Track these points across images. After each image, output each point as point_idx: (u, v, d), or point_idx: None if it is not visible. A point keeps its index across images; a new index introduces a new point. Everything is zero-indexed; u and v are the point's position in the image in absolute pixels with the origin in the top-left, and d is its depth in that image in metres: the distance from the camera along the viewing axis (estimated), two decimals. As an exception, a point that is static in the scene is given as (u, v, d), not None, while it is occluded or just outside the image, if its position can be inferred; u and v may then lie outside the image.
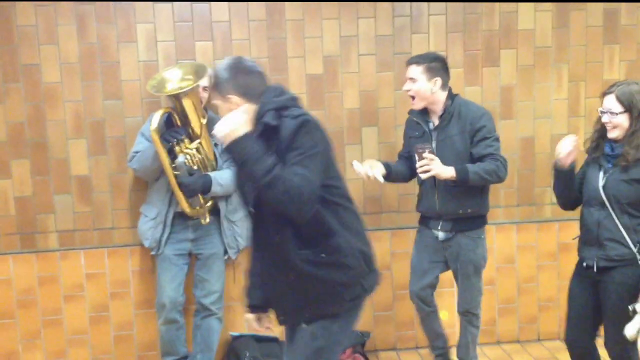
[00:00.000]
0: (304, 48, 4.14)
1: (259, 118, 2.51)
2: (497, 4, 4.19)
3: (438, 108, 3.61)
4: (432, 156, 3.44)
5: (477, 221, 3.68)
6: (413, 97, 3.60)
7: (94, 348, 4.19)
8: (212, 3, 4.04)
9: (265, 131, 2.48)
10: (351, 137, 4.23)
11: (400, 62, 4.13)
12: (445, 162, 3.46)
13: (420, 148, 3.47)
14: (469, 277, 3.72)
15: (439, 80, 3.55)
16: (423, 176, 3.50)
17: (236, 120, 2.39)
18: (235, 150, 2.39)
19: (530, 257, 4.43)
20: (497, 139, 3.59)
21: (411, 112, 3.78)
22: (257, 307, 2.79)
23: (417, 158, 3.48)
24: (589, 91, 4.31)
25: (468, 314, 3.80)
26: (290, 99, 2.61)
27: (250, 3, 4.06)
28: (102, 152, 4.06)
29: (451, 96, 3.63)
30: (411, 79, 3.57)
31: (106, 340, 4.20)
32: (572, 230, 4.26)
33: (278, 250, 2.57)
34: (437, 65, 3.56)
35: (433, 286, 3.81)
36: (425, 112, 3.69)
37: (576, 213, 4.24)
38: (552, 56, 4.28)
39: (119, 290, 4.18)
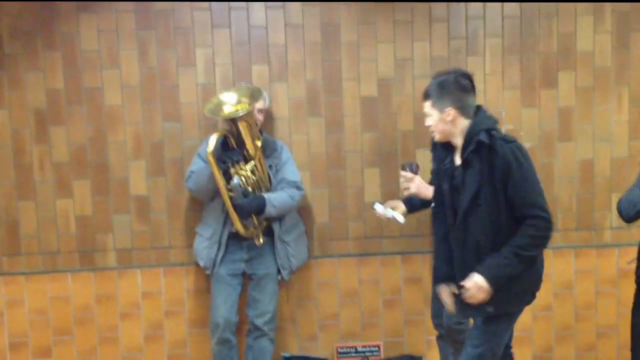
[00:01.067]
0: (359, 70, 4.15)
1: (472, 135, 2.87)
2: (554, 25, 4.14)
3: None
4: (409, 174, 3.46)
5: None
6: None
7: (149, 367, 4.25)
8: (269, 27, 4.09)
9: (478, 147, 2.85)
10: (405, 160, 4.19)
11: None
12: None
13: (406, 164, 3.53)
14: None
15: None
16: (404, 192, 3.53)
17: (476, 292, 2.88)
18: (499, 285, 2.88)
19: (589, 283, 4.32)
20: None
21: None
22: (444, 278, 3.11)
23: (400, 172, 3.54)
24: (650, 113, 4.22)
25: None
26: (495, 122, 2.98)
27: (305, 26, 4.10)
28: (160, 173, 4.14)
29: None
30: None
31: (160, 359, 4.24)
32: (631, 255, 4.17)
33: (478, 248, 2.92)
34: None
35: None
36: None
37: (634, 238, 4.17)
38: (612, 78, 4.20)
39: (173, 309, 4.23)
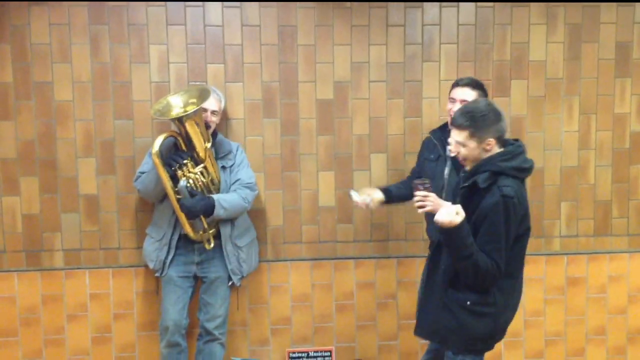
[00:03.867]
0: (315, 73, 4.14)
1: (476, 170, 2.93)
2: (508, 34, 4.20)
3: None
4: (427, 192, 3.32)
5: None
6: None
7: (96, 369, 4.16)
8: (225, 26, 4.06)
9: (473, 187, 2.89)
10: (360, 164, 4.21)
11: (411, 89, 4.16)
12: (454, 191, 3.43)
13: (420, 183, 3.42)
14: None
15: None
16: (419, 211, 3.46)
17: (452, 213, 2.83)
18: (448, 235, 2.87)
19: (537, 290, 4.38)
20: None
21: (433, 132, 3.80)
22: None
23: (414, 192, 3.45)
24: (600, 124, 4.30)
25: None
26: (510, 163, 2.91)
27: (262, 27, 4.08)
28: (110, 171, 4.07)
29: None
30: (464, 101, 3.48)
31: (108, 362, 4.16)
32: (579, 264, 4.26)
33: (446, 271, 3.00)
34: (486, 94, 3.66)
35: None
36: (444, 135, 3.63)
37: (582, 247, 4.25)
38: (563, 88, 4.27)
39: (122, 311, 4.16)
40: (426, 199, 3.30)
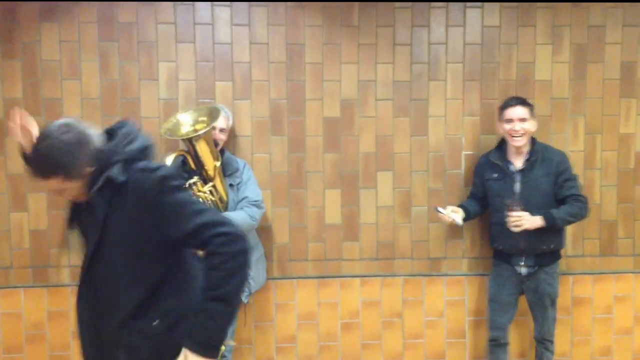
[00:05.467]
0: (322, 91, 4.17)
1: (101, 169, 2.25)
2: (514, 54, 4.23)
3: (525, 150, 3.84)
4: (522, 213, 3.71)
5: (555, 256, 3.95)
6: (520, 136, 3.83)
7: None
8: (234, 44, 4.10)
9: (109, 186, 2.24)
10: (366, 181, 4.22)
11: (417, 108, 4.18)
12: (531, 203, 3.76)
13: (511, 203, 3.73)
14: (546, 309, 3.93)
15: (536, 122, 3.92)
16: (514, 229, 3.73)
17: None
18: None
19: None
20: (577, 179, 3.92)
21: (490, 153, 3.99)
22: None
23: (506, 211, 3.76)
24: (605, 144, 4.31)
25: (545, 341, 3.99)
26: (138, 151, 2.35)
27: (271, 45, 4.12)
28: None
29: (533, 140, 3.92)
30: (523, 119, 3.82)
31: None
32: (585, 284, 4.24)
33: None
34: (533, 108, 3.91)
35: (512, 319, 4.05)
36: (502, 154, 3.90)
37: (588, 267, 4.24)
38: (569, 108, 4.29)
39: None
40: (521, 218, 3.68)
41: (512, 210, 3.72)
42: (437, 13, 4.19)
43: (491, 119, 4.21)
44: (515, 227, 3.73)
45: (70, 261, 4.08)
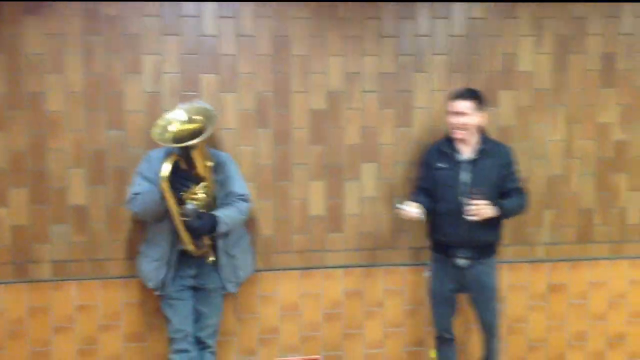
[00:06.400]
0: (309, 83, 4.15)
1: None
2: (498, 44, 4.26)
3: (474, 141, 3.81)
4: (482, 202, 3.68)
5: (492, 248, 3.93)
6: (459, 130, 3.79)
7: (83, 381, 4.10)
8: (220, 37, 4.04)
9: None
10: (351, 173, 4.23)
11: (403, 99, 4.18)
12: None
13: (475, 192, 3.70)
14: (488, 300, 3.93)
15: (485, 114, 3.86)
16: (471, 219, 3.71)
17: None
18: None
19: (521, 296, 4.46)
20: (519, 173, 3.96)
21: (439, 142, 3.93)
22: None
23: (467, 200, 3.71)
24: (584, 133, 4.39)
25: (489, 334, 4.00)
26: None
27: (257, 37, 4.07)
28: (101, 182, 4.01)
29: (483, 132, 3.89)
30: (462, 113, 3.76)
31: (96, 374, 4.11)
32: (562, 270, 4.33)
33: None
34: (482, 99, 3.83)
35: (455, 313, 4.02)
36: (451, 144, 3.84)
37: (565, 254, 4.33)
38: (550, 98, 4.34)
39: (109, 323, 4.11)
40: (485, 206, 3.67)
41: (474, 198, 3.68)
42: (423, 5, 4.19)
43: (475, 110, 4.24)
44: (474, 215, 3.68)
45: (51, 256, 4.02)
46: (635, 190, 4.45)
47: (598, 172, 4.42)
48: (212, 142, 3.96)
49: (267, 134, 4.13)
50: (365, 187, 4.25)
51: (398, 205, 3.74)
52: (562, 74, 4.33)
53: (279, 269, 4.23)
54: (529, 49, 4.30)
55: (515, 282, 4.41)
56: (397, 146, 4.24)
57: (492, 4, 4.24)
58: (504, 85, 4.29)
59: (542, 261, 4.42)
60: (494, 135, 4.23)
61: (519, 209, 3.87)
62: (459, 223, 3.76)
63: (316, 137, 4.18)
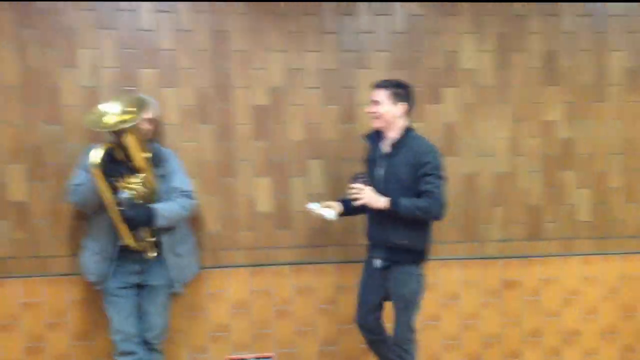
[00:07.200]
0: (250, 79, 4.15)
1: None
2: (439, 42, 4.29)
3: (393, 135, 3.68)
4: (361, 186, 3.54)
5: (412, 255, 3.68)
6: (373, 118, 3.69)
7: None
8: (158, 31, 4.05)
9: None
10: (296, 170, 4.23)
11: (346, 95, 4.20)
12: (390, 190, 3.56)
13: (360, 175, 3.59)
14: (400, 311, 3.71)
15: (403, 106, 3.65)
16: (355, 203, 3.58)
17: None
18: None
19: (474, 293, 4.44)
20: (439, 177, 3.57)
21: (367, 134, 3.83)
22: None
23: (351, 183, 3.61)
24: (530, 131, 4.40)
25: (397, 347, 3.74)
26: None
27: (195, 32, 4.08)
28: (41, 178, 4.00)
29: (407, 128, 3.69)
30: (375, 101, 3.65)
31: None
32: (514, 267, 4.31)
33: None
34: (402, 91, 3.66)
35: (376, 313, 3.83)
36: (379, 137, 3.74)
37: (519, 250, 4.31)
38: (494, 96, 4.36)
39: (56, 320, 4.07)
40: (362, 191, 3.50)
41: (356, 181, 3.58)
42: (363, 2, 4.22)
43: (418, 106, 4.21)
44: (355, 199, 3.57)
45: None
46: (584, 188, 4.47)
47: (545, 169, 4.44)
48: (155, 138, 3.93)
49: (210, 130, 4.13)
50: (312, 184, 4.25)
51: (307, 205, 3.72)
52: (505, 72, 4.36)
53: (226, 266, 4.21)
54: (470, 47, 4.32)
55: (468, 279, 4.41)
56: (344, 142, 4.25)
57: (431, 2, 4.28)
58: (447, 83, 4.30)
59: (494, 258, 4.42)
60: (438, 132, 4.25)
61: (419, 211, 3.50)
62: (371, 221, 3.73)
63: (259, 133, 4.18)
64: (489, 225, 4.41)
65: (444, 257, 4.35)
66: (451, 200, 4.12)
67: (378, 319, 3.85)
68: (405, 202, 3.51)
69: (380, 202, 3.54)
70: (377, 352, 3.92)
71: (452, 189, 4.23)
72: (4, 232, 3.99)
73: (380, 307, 3.83)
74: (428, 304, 4.16)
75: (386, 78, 3.78)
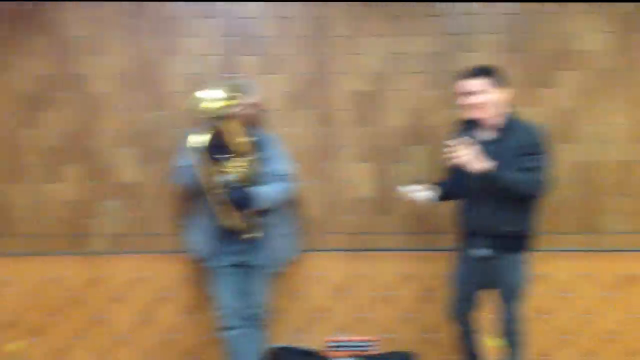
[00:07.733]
0: (351, 64, 4.14)
1: None
2: (554, 23, 4.08)
3: (494, 122, 3.53)
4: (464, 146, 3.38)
5: (518, 243, 3.56)
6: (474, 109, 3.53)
7: (139, 351, 4.29)
8: (259, 19, 4.12)
9: None
10: (399, 156, 4.19)
11: (451, 80, 4.04)
12: None
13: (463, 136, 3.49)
14: (505, 301, 3.61)
15: (509, 91, 3.54)
16: (450, 162, 3.45)
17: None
18: None
19: (591, 287, 4.23)
20: (542, 155, 3.45)
21: (459, 123, 3.69)
22: None
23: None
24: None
25: (507, 331, 3.65)
26: None
27: (296, 19, 4.11)
28: (150, 161, 4.19)
29: (508, 112, 3.56)
30: (472, 92, 3.50)
31: (151, 345, 4.29)
32: (635, 260, 4.13)
33: None
34: (501, 76, 3.53)
35: (472, 305, 3.74)
36: (472, 125, 3.59)
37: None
38: (616, 79, 4.12)
39: (165, 294, 4.26)
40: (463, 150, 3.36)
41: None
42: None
43: (532, 91, 4.07)
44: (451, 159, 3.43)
45: (106, 230, 4.22)
46: None
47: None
48: (258, 123, 3.96)
49: (309, 115, 4.16)
50: (414, 170, 4.16)
51: (400, 188, 3.64)
52: (628, 54, 4.03)
53: (327, 250, 4.23)
54: (591, 28, 4.11)
55: (584, 272, 4.19)
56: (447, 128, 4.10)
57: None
58: (563, 66, 4.08)
59: (613, 251, 4.17)
60: (552, 118, 4.09)
61: (518, 183, 3.38)
62: (470, 208, 3.59)
63: (360, 119, 4.17)
64: (607, 216, 4.16)
65: (558, 248, 4.15)
66: (566, 189, 3.94)
67: (474, 312, 3.75)
68: (508, 174, 3.37)
69: (482, 164, 3.35)
70: (466, 347, 3.81)
71: (567, 178, 4.05)
72: (117, 211, 4.21)
73: (477, 298, 3.73)
74: (540, 297, 4.02)
75: (473, 66, 3.58)
